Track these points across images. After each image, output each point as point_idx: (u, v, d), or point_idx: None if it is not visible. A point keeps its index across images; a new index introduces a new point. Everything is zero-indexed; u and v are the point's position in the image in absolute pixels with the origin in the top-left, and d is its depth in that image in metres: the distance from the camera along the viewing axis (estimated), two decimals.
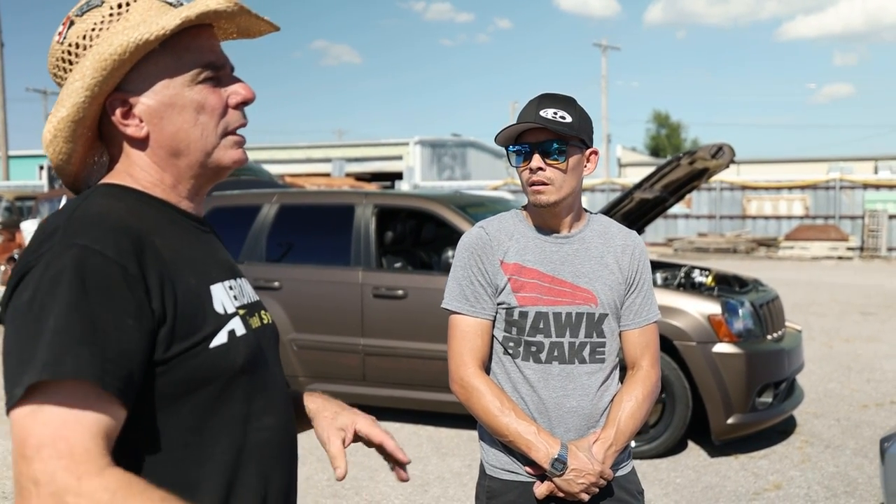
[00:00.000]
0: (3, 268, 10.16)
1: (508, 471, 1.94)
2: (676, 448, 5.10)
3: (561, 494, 1.88)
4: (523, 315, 1.90)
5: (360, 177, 31.39)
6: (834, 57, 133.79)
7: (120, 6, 1.16)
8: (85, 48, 1.14)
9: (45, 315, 0.96)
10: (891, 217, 22.25)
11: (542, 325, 1.90)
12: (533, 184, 1.88)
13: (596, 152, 1.97)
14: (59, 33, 1.17)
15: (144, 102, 1.15)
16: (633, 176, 29.03)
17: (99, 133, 1.19)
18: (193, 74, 1.16)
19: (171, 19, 1.11)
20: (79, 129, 1.14)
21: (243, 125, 1.23)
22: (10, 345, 0.98)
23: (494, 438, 1.95)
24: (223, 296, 1.16)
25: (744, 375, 4.83)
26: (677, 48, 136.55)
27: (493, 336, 1.96)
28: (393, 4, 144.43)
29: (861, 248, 22.28)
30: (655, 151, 59.45)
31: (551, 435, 1.87)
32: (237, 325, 1.16)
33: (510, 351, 1.94)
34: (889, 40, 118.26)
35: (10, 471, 4.84)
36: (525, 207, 2.04)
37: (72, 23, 1.16)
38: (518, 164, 1.92)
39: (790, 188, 24.18)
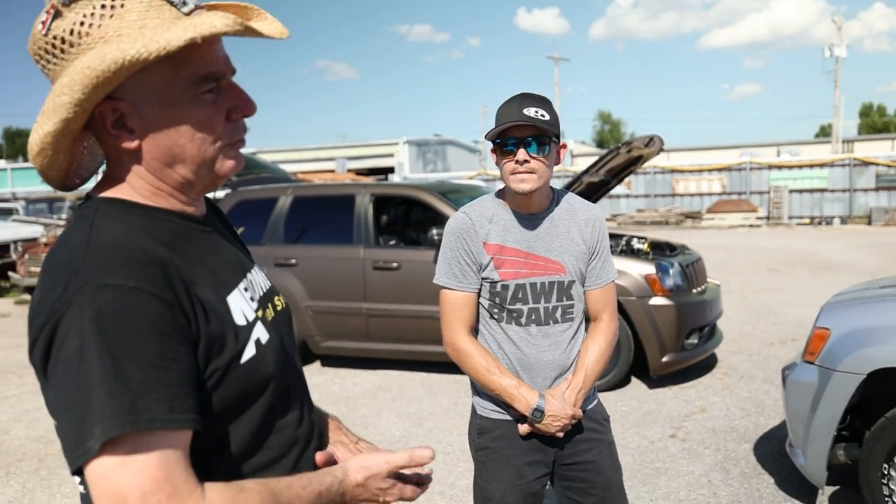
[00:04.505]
0: None
1: (496, 410, 1.92)
2: (622, 382, 5.16)
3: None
4: (505, 287, 1.86)
5: (359, 172, 31.13)
6: (744, 62, 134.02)
7: (114, 1, 0.86)
8: (72, 45, 0.86)
9: (100, 363, 0.77)
10: (791, 192, 22.47)
11: (521, 295, 1.86)
12: (517, 173, 1.79)
13: (565, 146, 1.90)
14: (43, 22, 0.87)
15: (137, 113, 0.89)
16: (583, 165, 28.99)
17: (87, 124, 0.91)
18: (193, 87, 0.90)
19: (174, 37, 0.83)
20: (66, 140, 0.89)
21: (243, 135, 0.97)
22: (67, 397, 0.78)
23: None
24: (241, 303, 0.97)
25: (674, 322, 4.88)
26: (617, 58, 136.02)
27: (478, 304, 1.92)
28: (382, 28, 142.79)
29: (768, 218, 22.47)
30: (601, 143, 59.46)
31: (530, 388, 1.84)
32: (261, 333, 0.97)
33: (495, 316, 1.90)
34: (789, 47, 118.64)
35: None
36: (500, 193, 1.94)
37: (57, 12, 0.87)
38: (504, 156, 1.80)
39: (710, 170, 24.28)
